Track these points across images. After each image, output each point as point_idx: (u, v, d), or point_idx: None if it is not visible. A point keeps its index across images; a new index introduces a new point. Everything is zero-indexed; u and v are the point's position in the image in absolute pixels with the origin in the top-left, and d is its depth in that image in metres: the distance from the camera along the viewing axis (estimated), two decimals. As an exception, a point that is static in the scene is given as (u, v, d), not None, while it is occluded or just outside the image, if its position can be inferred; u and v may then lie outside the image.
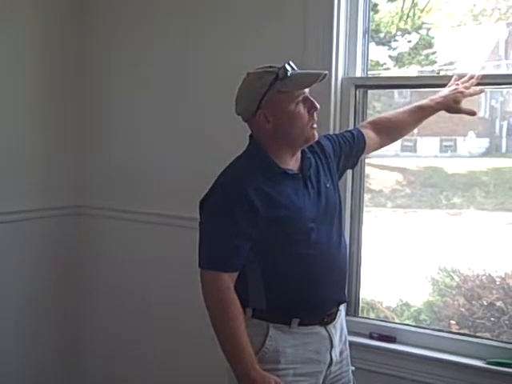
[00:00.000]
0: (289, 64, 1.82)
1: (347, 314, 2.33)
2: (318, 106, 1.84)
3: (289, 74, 1.79)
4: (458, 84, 2.15)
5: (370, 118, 2.30)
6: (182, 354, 2.72)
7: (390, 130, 2.16)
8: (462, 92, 2.13)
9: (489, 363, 2.17)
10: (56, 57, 2.86)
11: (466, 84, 2.15)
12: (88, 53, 2.94)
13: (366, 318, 2.46)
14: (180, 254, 2.57)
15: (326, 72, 1.83)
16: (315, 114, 1.85)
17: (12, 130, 2.72)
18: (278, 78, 1.79)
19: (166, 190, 2.73)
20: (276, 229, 1.78)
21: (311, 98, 1.84)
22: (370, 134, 2.11)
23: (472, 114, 2.16)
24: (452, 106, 2.13)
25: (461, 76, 2.17)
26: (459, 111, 2.14)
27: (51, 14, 2.84)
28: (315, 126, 1.86)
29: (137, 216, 2.78)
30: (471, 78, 2.16)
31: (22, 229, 2.76)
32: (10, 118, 2.71)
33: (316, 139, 1.88)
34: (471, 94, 2.15)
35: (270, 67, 1.83)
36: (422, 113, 2.15)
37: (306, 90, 1.84)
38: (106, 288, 2.96)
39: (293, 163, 1.88)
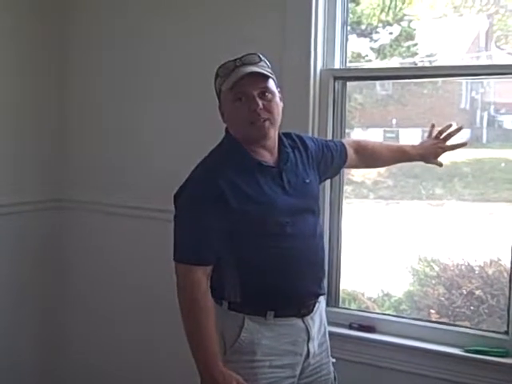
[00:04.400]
0: (234, 60, 1.80)
1: (327, 305, 2.35)
2: (258, 103, 1.76)
3: (228, 72, 1.79)
4: (437, 137, 2.23)
5: (356, 138, 2.39)
6: (168, 345, 2.70)
7: (370, 159, 2.22)
8: (443, 148, 2.22)
9: (467, 351, 2.20)
10: (36, 46, 2.83)
11: (446, 136, 2.22)
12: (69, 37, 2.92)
13: (346, 308, 2.48)
14: (163, 248, 2.56)
15: (255, 70, 1.76)
16: (261, 112, 1.77)
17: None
18: (218, 75, 1.82)
19: (149, 183, 2.72)
20: (249, 222, 1.78)
21: (254, 94, 1.76)
22: (351, 153, 2.14)
23: (440, 166, 2.25)
24: (430, 159, 2.25)
25: (440, 131, 2.24)
26: (434, 163, 2.25)
27: (35, 13, 2.81)
28: (259, 123, 1.78)
29: (118, 209, 2.77)
30: (449, 127, 2.22)
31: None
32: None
33: (266, 134, 1.82)
34: (451, 149, 2.23)
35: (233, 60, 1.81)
36: (402, 156, 2.24)
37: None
38: (89, 283, 2.94)
39: (268, 156, 1.86)
